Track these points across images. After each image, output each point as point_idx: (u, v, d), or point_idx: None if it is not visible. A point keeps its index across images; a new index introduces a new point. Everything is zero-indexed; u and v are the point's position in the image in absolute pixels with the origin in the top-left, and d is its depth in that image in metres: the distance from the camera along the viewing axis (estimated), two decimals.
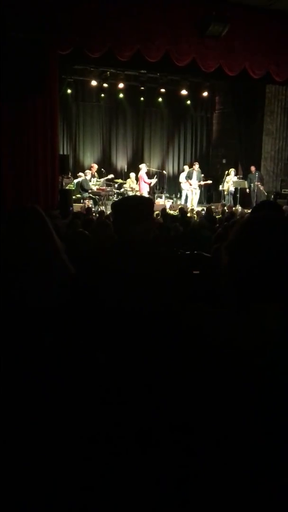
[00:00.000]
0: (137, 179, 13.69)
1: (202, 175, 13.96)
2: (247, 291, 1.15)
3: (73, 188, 12.53)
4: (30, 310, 1.57)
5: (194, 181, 13.58)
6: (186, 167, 14.42)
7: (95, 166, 13.52)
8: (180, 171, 16.25)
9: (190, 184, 13.54)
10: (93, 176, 13.06)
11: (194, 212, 10.91)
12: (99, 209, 11.07)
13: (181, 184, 14.03)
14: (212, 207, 11.45)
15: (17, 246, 1.64)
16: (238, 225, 1.24)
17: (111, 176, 13.38)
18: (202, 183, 13.86)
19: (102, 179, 13.17)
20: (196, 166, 13.90)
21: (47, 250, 1.69)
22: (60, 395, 1.49)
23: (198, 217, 9.74)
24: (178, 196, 14.55)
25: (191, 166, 14.38)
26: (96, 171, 13.30)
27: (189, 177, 13.70)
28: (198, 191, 13.79)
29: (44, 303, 1.59)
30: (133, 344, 1.45)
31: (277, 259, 1.12)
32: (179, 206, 11.73)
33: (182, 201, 13.77)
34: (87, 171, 12.99)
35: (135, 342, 1.46)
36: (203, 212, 10.42)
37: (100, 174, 13.46)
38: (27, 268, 1.62)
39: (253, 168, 13.40)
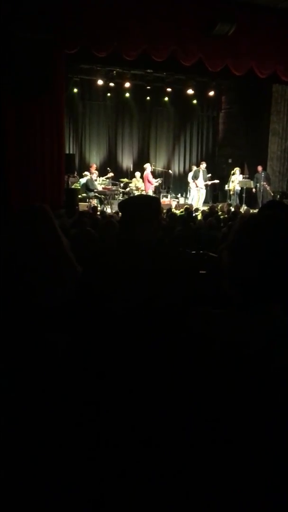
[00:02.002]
0: (142, 178, 13.71)
1: (209, 175, 13.92)
2: (249, 292, 1.15)
3: (79, 187, 12.55)
4: (37, 307, 1.58)
5: (201, 180, 13.57)
6: (195, 167, 14.42)
7: (95, 165, 13.52)
8: (186, 170, 16.24)
9: (197, 186, 13.53)
10: (97, 175, 13.08)
11: (199, 211, 10.89)
12: (103, 209, 11.09)
13: (190, 184, 14.05)
14: (219, 206, 11.43)
15: (24, 245, 1.65)
16: (238, 225, 1.23)
17: (110, 174, 13.38)
18: (209, 182, 13.83)
19: (104, 178, 13.18)
20: (203, 166, 13.88)
21: (54, 248, 1.70)
22: (63, 394, 1.49)
23: (202, 216, 9.72)
24: (187, 195, 14.54)
25: (198, 165, 14.37)
26: (96, 170, 13.29)
27: (195, 176, 13.68)
28: (204, 191, 13.77)
29: (50, 301, 1.60)
30: (139, 343, 1.46)
31: (278, 259, 1.11)
32: (185, 206, 11.73)
33: (190, 201, 13.76)
34: (93, 171, 13.00)
35: (141, 340, 1.46)
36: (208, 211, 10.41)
37: (102, 173, 13.47)
38: (34, 266, 1.63)
39: (259, 168, 13.36)
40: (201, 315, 1.22)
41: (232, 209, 10.70)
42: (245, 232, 1.18)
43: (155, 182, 13.74)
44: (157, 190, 13.95)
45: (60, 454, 1.46)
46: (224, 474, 1.10)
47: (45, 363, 1.53)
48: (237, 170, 13.79)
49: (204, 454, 1.14)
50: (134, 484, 1.35)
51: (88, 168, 13.57)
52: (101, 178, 13.27)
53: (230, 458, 1.09)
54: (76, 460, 1.44)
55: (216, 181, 14.13)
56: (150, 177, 13.49)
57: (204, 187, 13.71)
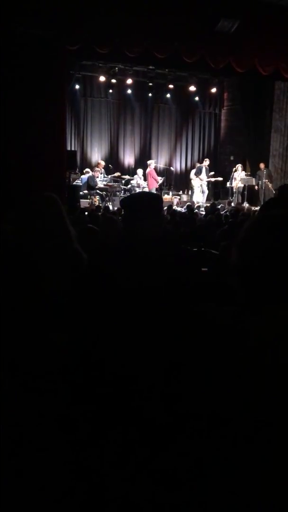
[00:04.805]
0: (144, 175, 13.67)
1: (212, 172, 13.94)
2: (256, 290, 1.15)
3: (81, 184, 12.55)
4: (43, 294, 1.59)
5: (204, 176, 13.59)
6: (198, 164, 14.46)
7: (102, 163, 13.51)
8: (188, 167, 16.23)
9: (201, 179, 13.55)
10: (100, 173, 13.07)
11: (201, 208, 10.89)
12: (105, 205, 11.09)
13: (192, 181, 14.02)
14: (219, 206, 11.47)
15: (33, 231, 1.67)
16: (248, 223, 1.24)
17: (117, 174, 13.37)
18: (212, 179, 13.84)
19: (109, 176, 13.17)
20: (206, 163, 13.91)
21: (62, 236, 1.72)
22: (68, 383, 1.49)
23: (206, 212, 9.73)
24: (190, 193, 14.54)
25: (201, 162, 14.39)
26: (103, 168, 13.29)
27: (198, 172, 13.70)
28: (206, 188, 13.80)
29: (57, 287, 1.61)
30: (142, 338, 1.46)
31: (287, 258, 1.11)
32: (187, 203, 11.72)
33: (194, 198, 13.77)
34: (96, 169, 12.98)
35: (144, 336, 1.46)
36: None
37: (108, 171, 13.46)
38: (42, 252, 1.64)
39: (262, 165, 13.33)
40: (206, 312, 1.22)
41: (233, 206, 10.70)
42: (256, 231, 1.18)
43: (160, 180, 13.72)
44: (159, 187, 13.94)
45: (60, 451, 1.46)
46: (225, 468, 1.11)
47: (48, 356, 1.53)
48: (239, 166, 13.77)
49: (204, 449, 1.14)
50: (136, 478, 1.35)
51: (91, 166, 13.57)
52: (103, 175, 13.24)
53: (232, 452, 1.10)
54: (77, 457, 1.44)
55: (220, 178, 14.14)
56: (155, 174, 13.44)
57: (206, 184, 13.73)
